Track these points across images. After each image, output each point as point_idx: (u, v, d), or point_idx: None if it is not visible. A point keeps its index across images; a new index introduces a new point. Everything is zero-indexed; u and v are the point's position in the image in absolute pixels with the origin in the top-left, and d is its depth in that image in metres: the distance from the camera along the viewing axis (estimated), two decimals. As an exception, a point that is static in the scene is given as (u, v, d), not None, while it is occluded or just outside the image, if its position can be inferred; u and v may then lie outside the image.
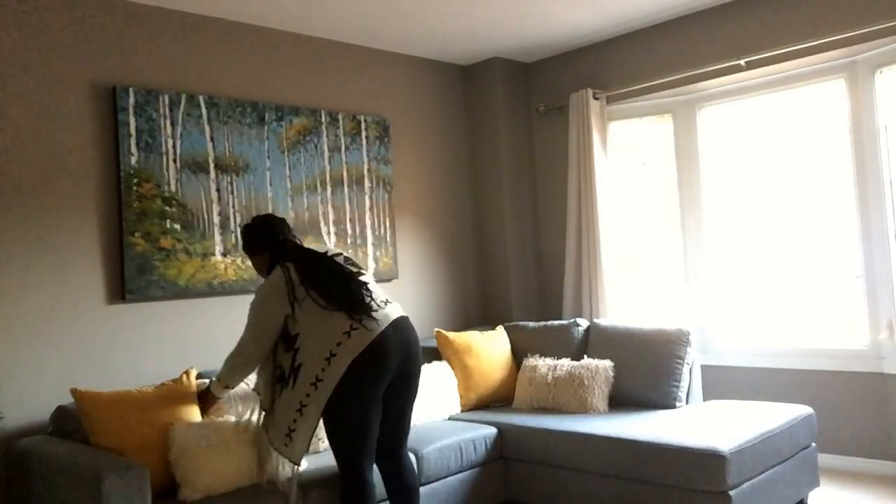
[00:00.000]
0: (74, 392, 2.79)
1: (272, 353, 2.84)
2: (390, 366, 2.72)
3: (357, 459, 2.73)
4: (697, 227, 4.54)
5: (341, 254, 2.96)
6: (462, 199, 5.03)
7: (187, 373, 3.09)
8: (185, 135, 3.66)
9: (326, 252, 2.93)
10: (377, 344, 2.67)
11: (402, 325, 2.80)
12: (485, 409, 4.03)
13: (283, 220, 3.02)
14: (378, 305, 2.78)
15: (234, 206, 3.82)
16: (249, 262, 3.78)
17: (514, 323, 4.53)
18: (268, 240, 2.96)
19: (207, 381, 3.12)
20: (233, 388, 2.94)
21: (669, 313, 4.60)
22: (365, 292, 2.79)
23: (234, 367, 2.85)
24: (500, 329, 4.41)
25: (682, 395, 3.76)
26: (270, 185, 3.97)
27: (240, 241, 3.09)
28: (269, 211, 3.95)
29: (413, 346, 2.83)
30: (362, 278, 2.87)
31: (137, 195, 3.47)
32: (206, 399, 3.01)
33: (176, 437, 2.79)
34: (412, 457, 3.25)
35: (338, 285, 2.78)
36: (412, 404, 2.91)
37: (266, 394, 2.85)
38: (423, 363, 3.34)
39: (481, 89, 5.01)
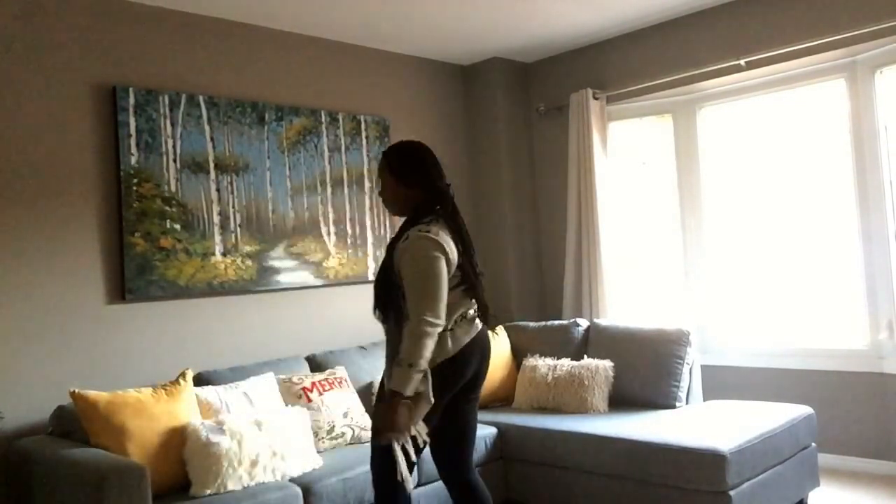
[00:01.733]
0: (73, 394, 2.79)
1: (402, 301, 2.42)
2: (473, 373, 2.50)
3: (466, 463, 2.57)
4: (697, 227, 4.54)
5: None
6: (462, 199, 4.99)
7: (183, 374, 3.09)
8: (185, 135, 3.66)
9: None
10: (472, 346, 2.47)
11: (486, 334, 2.58)
12: (485, 409, 4.02)
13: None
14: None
15: (234, 206, 3.82)
16: (247, 262, 3.77)
17: (514, 323, 4.53)
18: (433, 179, 2.51)
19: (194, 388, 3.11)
20: (425, 367, 2.32)
21: (669, 313, 4.60)
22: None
23: (430, 340, 2.31)
24: (500, 329, 4.41)
25: (682, 395, 3.76)
26: (270, 185, 3.97)
27: (384, 155, 2.58)
28: (270, 211, 3.95)
29: (488, 359, 2.58)
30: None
31: (137, 195, 3.47)
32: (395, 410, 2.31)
33: (189, 435, 2.82)
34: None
35: (475, 275, 2.52)
36: (476, 421, 2.67)
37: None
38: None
39: (481, 89, 5.00)
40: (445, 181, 2.56)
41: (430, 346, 2.30)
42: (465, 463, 2.64)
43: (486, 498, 2.64)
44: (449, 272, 2.40)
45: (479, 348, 2.53)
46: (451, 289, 2.41)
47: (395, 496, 2.43)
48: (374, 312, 2.53)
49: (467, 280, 2.48)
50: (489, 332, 2.66)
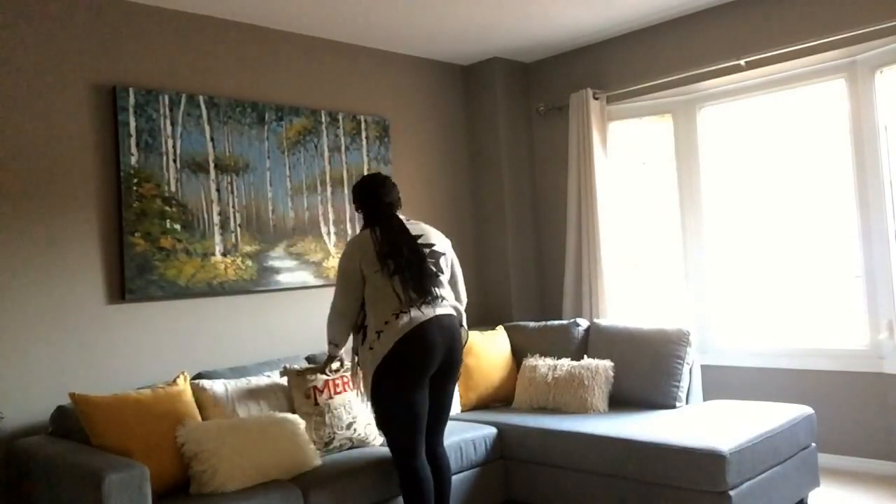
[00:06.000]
0: (73, 396, 2.78)
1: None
2: (434, 357, 2.89)
3: (410, 446, 2.90)
4: (697, 227, 4.54)
5: (433, 246, 3.07)
6: (462, 199, 5.03)
7: (184, 375, 3.10)
8: (185, 135, 3.66)
9: (418, 238, 3.04)
10: (417, 334, 2.85)
11: (445, 323, 2.95)
12: (485, 409, 4.03)
13: (393, 184, 3.16)
14: (433, 297, 2.94)
15: (234, 206, 3.82)
16: (247, 262, 3.81)
17: (514, 323, 4.53)
18: (369, 198, 3.11)
19: (201, 381, 3.13)
20: (340, 343, 3.15)
21: (669, 313, 4.60)
22: (429, 281, 2.96)
23: (331, 322, 3.08)
24: (500, 329, 4.41)
25: (682, 395, 3.76)
26: (270, 185, 3.97)
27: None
28: (270, 211, 3.95)
29: (455, 343, 2.99)
30: (440, 274, 3.04)
31: (137, 195, 3.47)
32: (327, 363, 3.30)
33: (189, 436, 2.82)
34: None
35: (416, 268, 2.95)
36: (451, 396, 3.10)
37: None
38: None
39: (481, 89, 5.00)
40: (388, 198, 3.11)
41: (334, 329, 3.07)
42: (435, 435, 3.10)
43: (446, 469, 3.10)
44: (367, 267, 2.93)
45: (428, 329, 2.88)
46: (381, 281, 2.91)
47: (414, 476, 2.90)
48: None
49: (401, 270, 2.91)
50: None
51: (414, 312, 2.87)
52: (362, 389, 3.12)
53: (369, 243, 2.97)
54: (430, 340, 2.87)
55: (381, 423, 2.99)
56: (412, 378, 2.87)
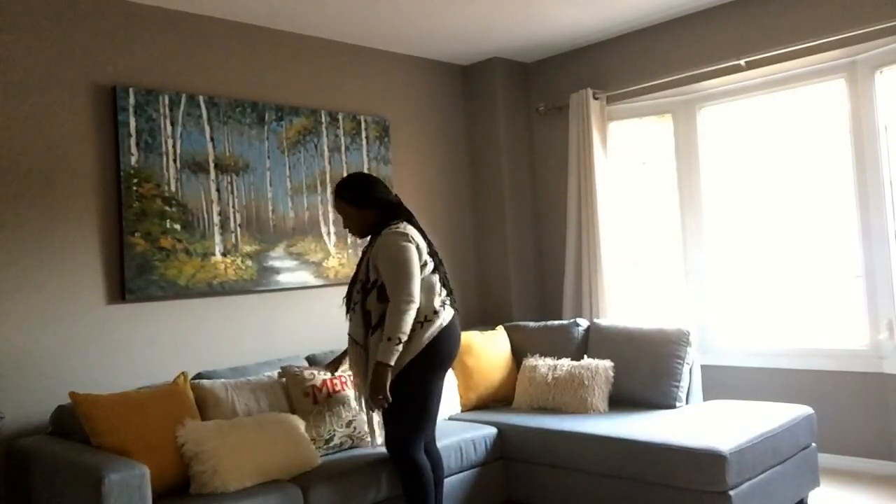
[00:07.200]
0: (73, 396, 2.78)
1: (361, 296, 2.97)
2: (455, 355, 3.02)
3: (420, 440, 2.95)
4: (697, 227, 4.54)
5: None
6: (462, 199, 5.02)
7: (184, 375, 3.10)
8: (185, 135, 3.66)
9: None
10: (453, 327, 2.99)
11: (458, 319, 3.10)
12: (485, 409, 4.03)
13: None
14: (452, 295, 3.10)
15: (234, 206, 3.82)
16: (247, 262, 3.78)
17: (514, 323, 4.53)
18: (384, 197, 3.05)
19: (201, 381, 3.12)
20: (404, 339, 2.82)
21: (669, 313, 4.60)
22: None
23: (408, 315, 2.81)
24: (500, 329, 4.41)
25: (682, 395, 3.76)
26: (270, 185, 3.97)
27: (335, 194, 3.05)
28: (270, 211, 3.95)
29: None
30: None
31: (137, 195, 3.47)
32: (378, 375, 2.84)
33: (189, 436, 2.82)
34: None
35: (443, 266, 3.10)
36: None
37: (359, 331, 2.98)
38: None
39: (481, 89, 5.00)
40: (394, 195, 3.09)
41: (408, 321, 2.80)
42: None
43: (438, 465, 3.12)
44: (421, 259, 2.91)
45: (458, 328, 3.06)
46: (430, 273, 2.95)
47: (418, 469, 2.91)
48: (344, 309, 3.12)
49: (439, 268, 3.02)
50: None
51: (449, 307, 3.01)
52: (361, 388, 3.05)
53: (419, 238, 2.97)
54: (459, 334, 3.05)
55: (397, 415, 2.91)
56: (444, 370, 2.98)
